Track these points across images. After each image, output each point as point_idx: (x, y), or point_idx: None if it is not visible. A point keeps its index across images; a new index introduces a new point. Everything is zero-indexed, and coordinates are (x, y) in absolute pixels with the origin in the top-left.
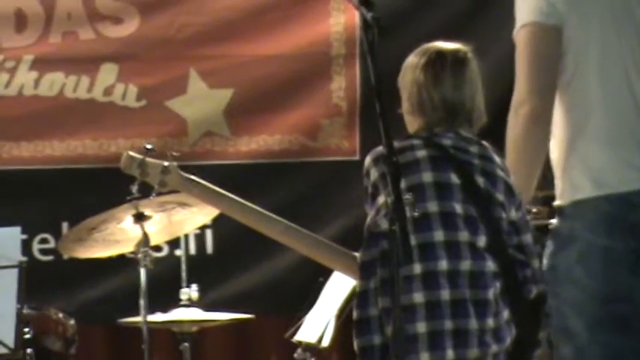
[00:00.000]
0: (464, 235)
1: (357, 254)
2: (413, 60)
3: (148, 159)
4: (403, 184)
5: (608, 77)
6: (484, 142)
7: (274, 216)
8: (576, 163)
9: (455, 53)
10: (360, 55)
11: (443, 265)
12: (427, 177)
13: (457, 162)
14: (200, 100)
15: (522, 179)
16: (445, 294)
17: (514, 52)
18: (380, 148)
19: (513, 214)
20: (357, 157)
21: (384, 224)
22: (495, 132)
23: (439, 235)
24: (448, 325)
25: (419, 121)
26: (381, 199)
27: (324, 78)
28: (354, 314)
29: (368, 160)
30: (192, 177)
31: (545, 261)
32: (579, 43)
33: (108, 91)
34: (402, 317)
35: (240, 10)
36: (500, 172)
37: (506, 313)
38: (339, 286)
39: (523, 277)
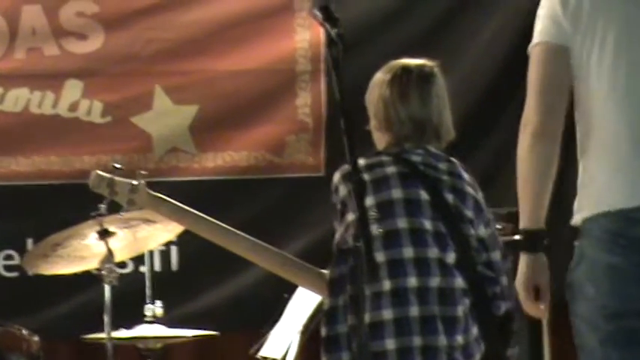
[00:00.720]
0: (433, 252)
1: (323, 271)
2: (379, 76)
3: (117, 178)
4: (373, 201)
5: (610, 93)
6: (453, 159)
7: (240, 233)
8: (582, 181)
9: (421, 69)
10: (326, 71)
11: (412, 281)
12: (397, 193)
13: (426, 178)
14: (165, 116)
15: (528, 197)
16: (414, 310)
17: (479, 66)
18: (347, 165)
19: (482, 231)
20: (322, 174)
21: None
22: (461, 147)
23: (408, 252)
24: (417, 341)
25: (387, 137)
26: (349, 216)
27: (290, 94)
28: (323, 331)
29: (337, 176)
30: (160, 195)
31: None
32: (582, 64)
33: (73, 107)
34: (371, 334)
35: (205, 26)
36: (469, 189)
37: (475, 330)
38: (303, 302)
39: (492, 293)
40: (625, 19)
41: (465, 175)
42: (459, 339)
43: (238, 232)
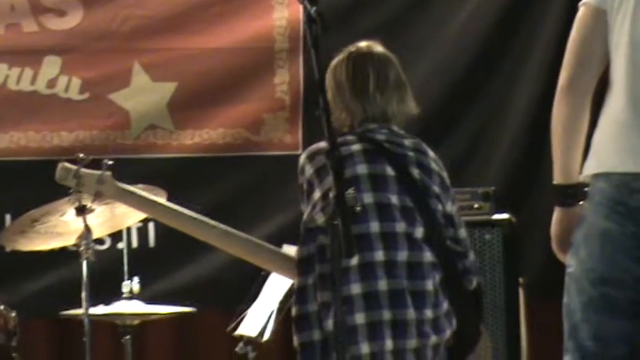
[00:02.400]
0: (400, 226)
1: (292, 255)
2: (336, 61)
3: (83, 170)
4: None
5: (635, 61)
6: (417, 138)
7: (210, 221)
8: (596, 140)
9: (377, 52)
10: (304, 49)
11: (379, 255)
12: (362, 169)
13: (391, 154)
14: (143, 93)
15: (557, 152)
16: (383, 284)
17: (455, 48)
18: (314, 146)
19: (449, 207)
20: (299, 152)
21: (321, 219)
22: (438, 127)
23: (375, 227)
24: (386, 315)
25: (348, 119)
26: (316, 195)
27: (268, 72)
28: (293, 310)
29: (303, 157)
30: (128, 187)
31: None
32: (616, 27)
33: (51, 84)
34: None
35: (184, 4)
36: (434, 165)
37: (445, 305)
38: (281, 281)
39: (462, 267)
40: None
41: (430, 153)
42: (429, 313)
43: (208, 220)
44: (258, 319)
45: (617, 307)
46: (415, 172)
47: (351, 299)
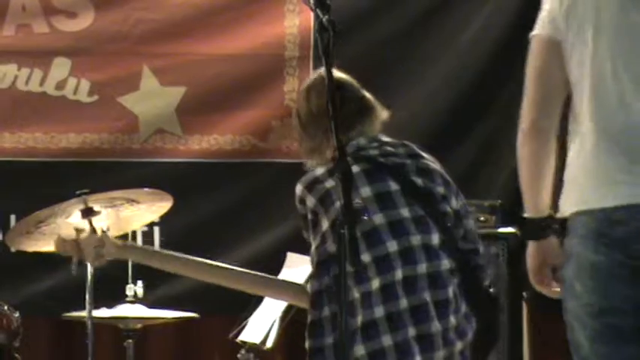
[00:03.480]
0: (416, 239)
1: (304, 284)
2: (307, 87)
3: (81, 236)
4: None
5: (601, 93)
6: (406, 142)
7: (215, 263)
8: (567, 176)
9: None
10: (314, 57)
11: (399, 274)
12: (366, 192)
13: (390, 168)
14: (152, 97)
15: (525, 187)
16: (403, 303)
17: (467, 58)
18: (310, 175)
19: (454, 203)
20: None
21: (333, 248)
22: (445, 140)
23: (392, 246)
24: (411, 332)
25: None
26: (324, 225)
27: (277, 79)
28: (307, 343)
29: (300, 188)
30: (128, 242)
31: None
32: (575, 58)
33: (60, 85)
34: (366, 334)
35: (195, 9)
36: (433, 166)
37: (463, 307)
38: None
39: (475, 264)
40: (615, 25)
41: (424, 154)
42: (452, 320)
43: (212, 262)
44: (260, 326)
45: (623, 335)
46: (418, 180)
47: (375, 323)
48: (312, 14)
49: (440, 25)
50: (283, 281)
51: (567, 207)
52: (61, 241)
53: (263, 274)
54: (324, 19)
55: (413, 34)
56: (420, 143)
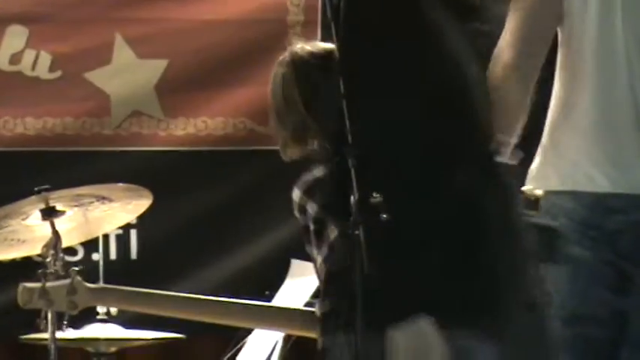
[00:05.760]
0: None
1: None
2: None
3: (48, 284)
4: None
5: (606, 62)
6: None
7: (207, 298)
8: (552, 141)
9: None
10: (322, 23)
11: None
12: None
13: None
14: (127, 73)
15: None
16: None
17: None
18: (306, 178)
19: None
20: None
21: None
22: None
23: None
24: None
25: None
26: (332, 234)
27: (278, 49)
28: None
29: (297, 194)
30: (103, 285)
31: None
32: (577, 9)
33: (15, 59)
34: None
35: None
36: None
37: None
38: (288, 303)
39: None
40: None
41: None
42: None
43: (203, 297)
44: (259, 349)
45: (593, 348)
46: None
47: None
48: None
49: None
50: (286, 308)
51: (543, 181)
52: (26, 292)
53: (265, 304)
54: None
55: None
56: None
